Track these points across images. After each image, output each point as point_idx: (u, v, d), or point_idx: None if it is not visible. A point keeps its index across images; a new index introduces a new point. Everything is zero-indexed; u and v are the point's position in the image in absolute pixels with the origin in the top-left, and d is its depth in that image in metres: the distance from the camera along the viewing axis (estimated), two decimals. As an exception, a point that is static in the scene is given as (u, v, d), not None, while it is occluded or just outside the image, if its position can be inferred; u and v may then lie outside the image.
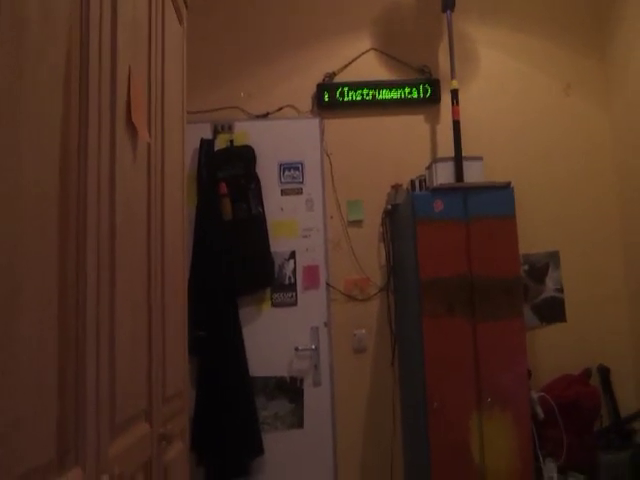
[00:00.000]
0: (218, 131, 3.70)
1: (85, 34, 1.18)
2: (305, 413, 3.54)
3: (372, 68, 3.86)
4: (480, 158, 3.37)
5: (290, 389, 3.55)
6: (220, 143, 3.69)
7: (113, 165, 1.34)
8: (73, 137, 1.11)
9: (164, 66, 1.93)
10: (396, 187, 3.67)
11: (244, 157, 3.65)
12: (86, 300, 1.14)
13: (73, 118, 1.11)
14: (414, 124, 3.83)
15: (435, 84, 3.82)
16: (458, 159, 3.34)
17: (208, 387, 3.43)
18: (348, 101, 3.78)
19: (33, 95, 0.95)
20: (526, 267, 3.70)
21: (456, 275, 3.04)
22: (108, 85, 1.32)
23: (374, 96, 3.79)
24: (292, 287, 3.64)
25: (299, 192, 3.71)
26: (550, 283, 3.73)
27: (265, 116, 3.78)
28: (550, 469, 3.16)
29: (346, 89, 3.78)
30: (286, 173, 3.72)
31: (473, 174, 3.30)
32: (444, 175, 3.31)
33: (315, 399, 3.56)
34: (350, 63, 3.85)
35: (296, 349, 3.56)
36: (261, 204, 3.62)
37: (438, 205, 3.08)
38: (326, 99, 3.78)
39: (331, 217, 3.72)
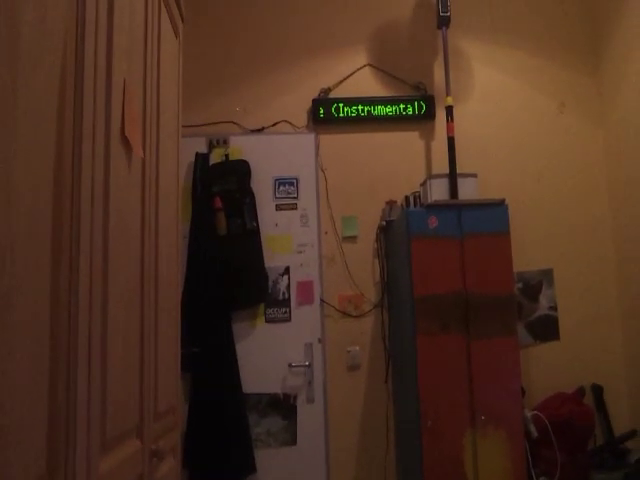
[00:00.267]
0: (213, 145, 3.70)
1: (80, 47, 1.17)
2: (298, 430, 3.52)
3: (367, 84, 3.88)
4: (474, 175, 3.38)
5: (283, 406, 3.53)
6: (215, 157, 3.69)
7: (107, 178, 1.33)
8: (67, 149, 1.10)
9: (159, 80, 1.92)
10: (391, 203, 3.68)
11: (239, 171, 3.65)
12: (78, 314, 1.13)
13: (67, 130, 1.10)
14: (409, 140, 3.85)
15: (430, 100, 3.84)
16: (453, 176, 3.35)
17: (201, 403, 3.41)
18: (343, 117, 3.79)
19: (27, 106, 0.94)
20: (520, 285, 3.69)
21: (450, 292, 3.03)
22: (103, 98, 1.31)
23: (369, 112, 3.80)
24: (286, 303, 3.62)
25: (294, 207, 3.71)
26: (544, 301, 3.73)
27: (260, 131, 3.79)
28: (544, 488, 3.14)
29: (341, 105, 3.79)
30: (281, 188, 3.72)
31: (467, 191, 3.31)
32: (439, 192, 3.31)
33: (308, 416, 3.53)
34: (346, 79, 3.87)
35: (290, 365, 3.55)
36: (256, 219, 3.61)
37: (432, 222, 3.08)
38: (321, 114, 3.78)
39: (326, 233, 3.72)
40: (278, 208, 3.71)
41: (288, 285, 3.64)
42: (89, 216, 1.20)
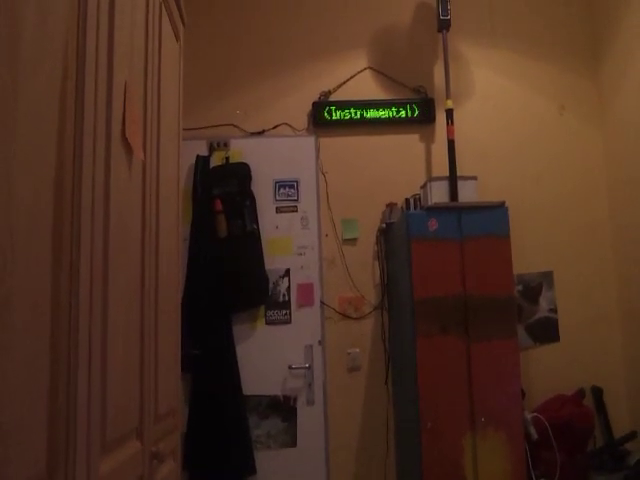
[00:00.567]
0: (214, 148, 3.71)
1: (82, 49, 1.18)
2: (298, 432, 3.52)
3: (368, 87, 3.88)
4: (474, 178, 3.38)
5: (283, 408, 3.53)
6: (216, 160, 3.69)
7: (108, 179, 1.33)
8: (68, 151, 1.10)
9: (160, 82, 1.93)
10: (391, 206, 3.68)
11: (239, 174, 3.66)
12: (78, 315, 1.13)
13: (68, 132, 1.11)
14: (409, 143, 3.85)
15: (430, 103, 3.85)
16: (453, 178, 3.35)
17: (201, 405, 3.41)
18: (343, 120, 3.80)
19: (28, 107, 0.94)
20: (520, 287, 3.70)
21: (450, 295, 3.03)
22: (104, 100, 1.31)
23: (369, 115, 3.80)
24: (286, 305, 3.62)
25: (294, 210, 3.71)
26: (544, 303, 3.73)
27: (261, 133, 3.79)
28: (544, 490, 3.14)
29: (342, 108, 3.79)
30: (281, 191, 3.72)
31: (467, 193, 3.31)
32: (439, 194, 3.31)
33: (308, 418, 3.53)
34: (346, 82, 3.87)
35: (290, 367, 3.55)
36: (256, 221, 3.62)
37: (432, 224, 3.08)
38: (322, 117, 3.79)
39: (326, 235, 3.72)
40: (278, 211, 3.71)
41: (288, 287, 3.64)
42: (90, 217, 1.20)
